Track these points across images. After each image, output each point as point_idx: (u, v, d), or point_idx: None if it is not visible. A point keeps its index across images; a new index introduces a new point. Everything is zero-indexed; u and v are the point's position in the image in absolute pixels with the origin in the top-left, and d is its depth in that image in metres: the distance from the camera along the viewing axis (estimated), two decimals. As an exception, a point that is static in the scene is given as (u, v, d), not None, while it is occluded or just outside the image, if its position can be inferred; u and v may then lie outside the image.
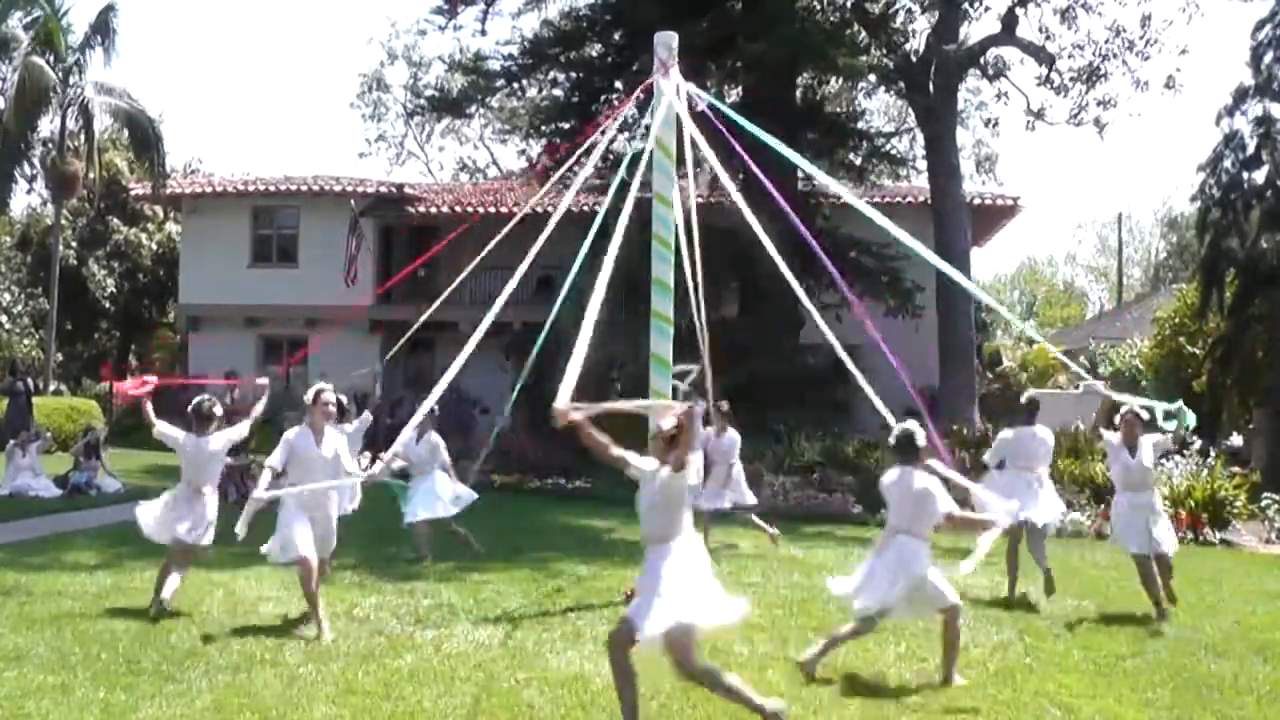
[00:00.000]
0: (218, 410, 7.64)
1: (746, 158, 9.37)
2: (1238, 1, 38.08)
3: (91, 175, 26.88)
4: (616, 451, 5.17)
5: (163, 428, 7.43)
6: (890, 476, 6.06)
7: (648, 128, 8.64)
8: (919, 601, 5.87)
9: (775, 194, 8.29)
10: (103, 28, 25.46)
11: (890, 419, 8.99)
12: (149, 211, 33.97)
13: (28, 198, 34.42)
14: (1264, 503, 12.84)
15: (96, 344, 35.22)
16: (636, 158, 8.72)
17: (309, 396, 7.27)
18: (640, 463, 5.14)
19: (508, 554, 9.92)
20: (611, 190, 9.30)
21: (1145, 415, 6.64)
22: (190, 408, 7.57)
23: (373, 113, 41.83)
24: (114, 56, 25.79)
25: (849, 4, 19.87)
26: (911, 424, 6.02)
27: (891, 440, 6.12)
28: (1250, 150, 19.24)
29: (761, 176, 8.49)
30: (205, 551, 7.51)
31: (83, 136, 26.07)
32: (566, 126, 19.52)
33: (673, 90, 8.17)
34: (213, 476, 7.62)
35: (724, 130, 8.66)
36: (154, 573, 7.42)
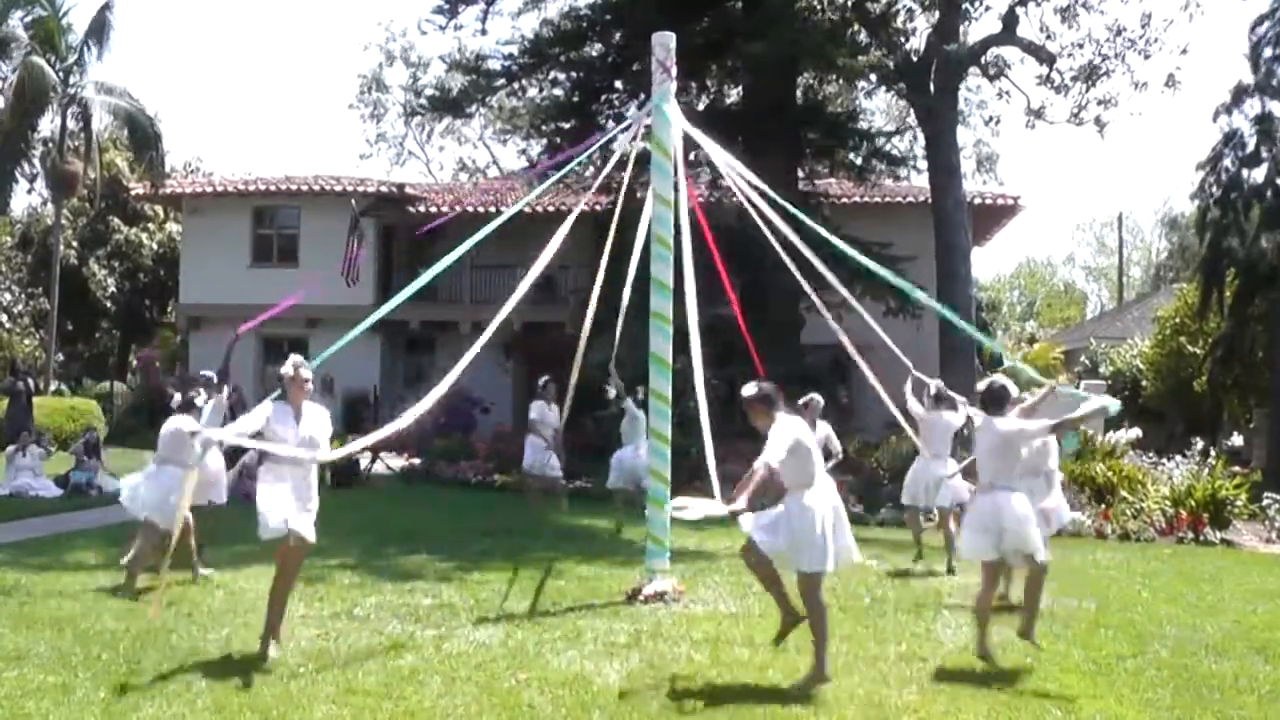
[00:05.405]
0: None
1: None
2: None
3: (91, 175, 26.89)
4: None
5: None
6: None
7: (647, 129, 8.64)
8: None
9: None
10: (99, 26, 25.46)
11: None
12: (149, 211, 33.98)
13: (28, 198, 34.54)
14: (1265, 502, 12.84)
15: (97, 344, 35.24)
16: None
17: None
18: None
19: (508, 554, 9.92)
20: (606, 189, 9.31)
21: None
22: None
23: (372, 113, 41.87)
24: (106, 51, 25.76)
25: (849, 4, 19.85)
26: None
27: None
28: (1250, 148, 19.26)
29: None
30: None
31: (83, 136, 26.09)
32: (567, 126, 19.51)
33: (671, 91, 8.16)
34: None
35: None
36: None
